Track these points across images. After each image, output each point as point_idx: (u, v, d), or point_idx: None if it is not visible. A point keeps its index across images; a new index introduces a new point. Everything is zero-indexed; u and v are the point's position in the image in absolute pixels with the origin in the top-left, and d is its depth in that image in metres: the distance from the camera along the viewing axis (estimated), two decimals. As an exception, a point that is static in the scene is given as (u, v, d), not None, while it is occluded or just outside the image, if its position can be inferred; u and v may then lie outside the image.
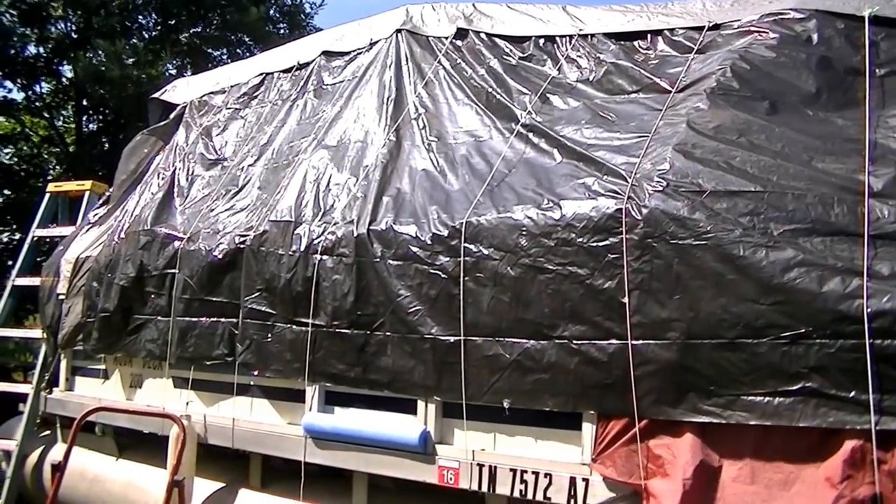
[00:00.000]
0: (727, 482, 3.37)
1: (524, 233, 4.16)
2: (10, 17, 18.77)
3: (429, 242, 4.55)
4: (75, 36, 20.29)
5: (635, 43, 5.00)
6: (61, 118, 22.80)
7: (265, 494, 5.49)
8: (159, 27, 22.25)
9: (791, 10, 4.51)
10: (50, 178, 19.44)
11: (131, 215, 7.02)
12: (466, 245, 4.37)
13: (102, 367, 6.97)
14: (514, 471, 4.11)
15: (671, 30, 4.90)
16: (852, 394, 3.17)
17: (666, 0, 5.21)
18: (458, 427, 4.44)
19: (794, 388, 3.29)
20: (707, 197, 3.64)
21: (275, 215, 5.56)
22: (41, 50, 19.89)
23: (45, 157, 22.13)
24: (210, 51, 22.15)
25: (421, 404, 4.60)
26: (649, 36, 4.98)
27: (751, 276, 3.41)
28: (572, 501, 3.89)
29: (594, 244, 3.90)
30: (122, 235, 6.78)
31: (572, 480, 3.90)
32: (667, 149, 3.93)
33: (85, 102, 21.00)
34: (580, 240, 3.94)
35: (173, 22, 22.34)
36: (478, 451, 4.31)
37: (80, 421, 5.90)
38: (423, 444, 4.49)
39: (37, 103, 21.00)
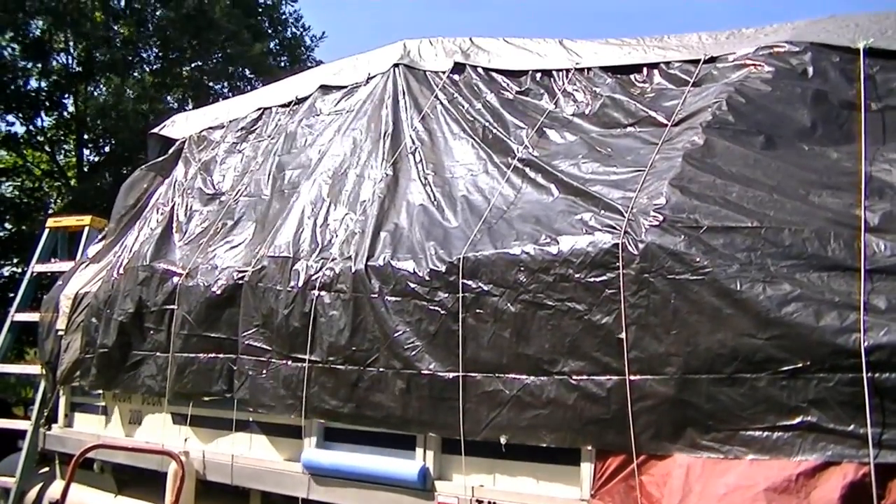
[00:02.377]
0: None
1: (522, 268, 4.17)
2: (12, 50, 18.90)
3: (427, 278, 4.56)
4: (78, 69, 20.41)
5: (631, 76, 5.03)
6: (63, 152, 22.91)
7: (261, 531, 5.46)
8: (161, 61, 22.42)
9: (786, 42, 4.55)
10: (51, 211, 19.50)
11: (130, 251, 7.04)
12: (465, 281, 4.38)
13: (102, 403, 6.96)
14: None
15: (667, 63, 4.93)
16: (851, 427, 3.16)
17: (662, 33, 5.25)
18: (457, 463, 4.43)
19: (793, 422, 3.29)
20: (704, 232, 3.65)
21: (273, 251, 5.58)
22: (43, 84, 20.00)
23: (47, 190, 22.22)
24: (211, 84, 22.30)
25: (420, 440, 4.58)
26: (645, 69, 5.01)
27: (748, 310, 3.42)
28: None
29: (592, 279, 3.91)
30: (121, 271, 6.80)
31: (571, 516, 3.89)
32: (663, 183, 3.95)
33: (86, 136, 21.11)
34: (578, 275, 3.95)
35: (175, 56, 22.52)
36: (477, 487, 4.30)
37: (78, 458, 5.89)
38: (423, 481, 4.48)
39: (38, 137, 21.10)
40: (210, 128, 7.65)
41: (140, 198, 7.63)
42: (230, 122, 7.48)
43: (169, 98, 21.11)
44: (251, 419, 5.55)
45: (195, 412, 5.94)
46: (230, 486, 5.63)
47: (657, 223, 3.78)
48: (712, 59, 4.78)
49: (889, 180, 3.74)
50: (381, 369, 4.70)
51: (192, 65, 22.05)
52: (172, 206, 7.12)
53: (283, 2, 25.05)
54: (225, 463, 5.62)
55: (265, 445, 5.50)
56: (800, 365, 3.28)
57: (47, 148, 21.79)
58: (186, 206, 7.02)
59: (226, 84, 22.31)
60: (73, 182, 21.31)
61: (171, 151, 7.82)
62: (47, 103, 20.23)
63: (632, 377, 3.71)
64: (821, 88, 4.26)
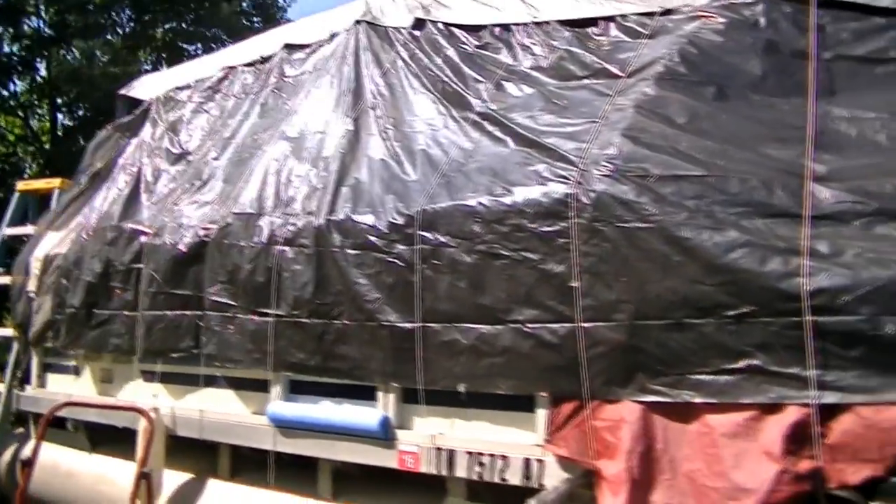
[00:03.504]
0: (678, 461, 3.39)
1: (478, 220, 4.17)
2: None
3: (385, 231, 4.56)
4: (50, 33, 20.12)
5: (589, 29, 4.98)
6: (36, 117, 22.63)
7: (234, 484, 5.49)
8: (133, 24, 22.13)
9: None
10: (27, 176, 19.31)
11: (98, 211, 6.99)
12: (422, 233, 4.37)
13: (73, 363, 6.93)
14: (471, 454, 4.13)
15: (623, 15, 4.88)
16: (794, 370, 3.19)
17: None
18: (417, 413, 4.46)
19: (739, 365, 3.32)
20: (654, 181, 3.65)
21: (237, 208, 5.55)
22: (15, 48, 19.72)
23: (21, 155, 21.96)
24: (185, 46, 22.03)
25: (381, 391, 4.60)
26: (602, 22, 4.96)
27: (696, 257, 3.43)
28: (528, 482, 3.90)
29: (545, 229, 3.91)
30: (90, 232, 6.74)
31: (527, 462, 3.92)
32: (615, 134, 3.95)
33: (60, 101, 20.87)
34: (532, 225, 3.96)
35: (148, 18, 22.22)
36: (437, 435, 4.32)
37: (48, 417, 5.89)
38: (384, 430, 4.50)
39: (11, 102, 20.83)
40: (177, 88, 7.56)
41: (107, 158, 7.54)
42: (197, 82, 7.40)
43: (142, 60, 20.84)
44: (219, 374, 5.54)
45: (164, 369, 5.94)
46: (200, 441, 5.64)
47: (608, 173, 3.78)
48: (668, 12, 4.73)
49: (837, 132, 3.74)
50: (344, 322, 4.71)
51: (165, 26, 21.69)
52: (140, 167, 7.06)
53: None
54: (194, 418, 5.63)
55: (233, 400, 5.51)
56: (745, 310, 3.31)
57: (20, 113, 21.49)
58: (154, 166, 6.96)
59: (199, 46, 22.02)
60: (47, 146, 21.09)
61: (138, 112, 7.72)
62: (19, 68, 19.89)
63: (584, 324, 3.73)
64: (772, 39, 4.24)
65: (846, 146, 3.68)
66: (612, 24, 4.91)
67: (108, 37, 21.03)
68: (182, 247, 5.74)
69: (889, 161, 3.50)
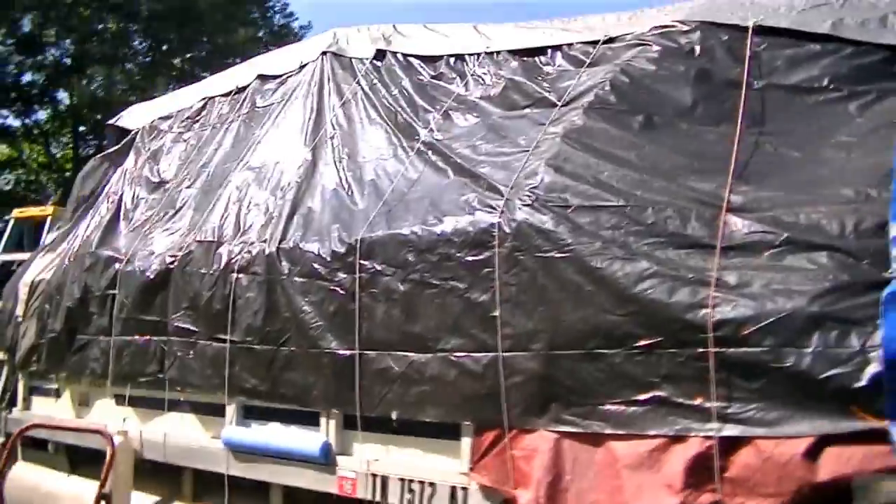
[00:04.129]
0: (583, 492, 3.30)
1: (411, 248, 4.13)
2: (6, 45, 18.90)
3: (328, 259, 4.52)
4: (70, 63, 20.39)
5: (536, 59, 4.92)
6: (59, 144, 22.91)
7: (194, 506, 5.44)
8: (152, 53, 22.38)
9: (679, 22, 4.43)
10: (51, 202, 19.51)
11: (81, 239, 7.00)
12: (361, 261, 4.33)
13: (55, 386, 6.93)
14: (402, 480, 4.07)
15: (569, 44, 4.82)
16: (698, 401, 3.10)
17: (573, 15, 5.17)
18: (356, 439, 4.40)
19: (646, 396, 3.24)
20: (572, 211, 3.59)
21: (200, 235, 5.54)
22: (36, 78, 20.00)
23: (44, 181, 22.23)
24: (203, 74, 22.23)
25: (323, 417, 4.55)
26: (549, 51, 4.89)
27: (607, 287, 3.36)
28: None
29: (471, 258, 3.86)
30: (72, 258, 6.76)
31: (453, 490, 3.85)
32: (540, 163, 3.88)
33: (82, 128, 21.11)
34: (459, 254, 3.90)
35: (165, 48, 22.47)
36: (373, 461, 4.26)
37: (14, 438, 5.90)
38: (325, 456, 4.45)
39: (34, 130, 21.10)
40: (161, 118, 7.58)
41: (94, 187, 7.58)
42: (178, 111, 7.42)
43: (160, 88, 21.05)
44: (182, 398, 5.51)
45: (133, 393, 5.91)
46: (166, 465, 5.61)
47: (529, 202, 3.72)
48: (611, 40, 4.67)
49: (761, 160, 3.66)
50: (291, 349, 4.67)
51: (183, 56, 21.92)
52: (121, 195, 7.07)
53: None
54: (158, 441, 5.60)
55: (194, 424, 5.47)
56: (653, 340, 3.22)
57: (42, 140, 21.77)
58: (133, 194, 6.97)
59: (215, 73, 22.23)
60: (68, 173, 21.33)
61: (124, 141, 7.75)
62: (41, 97, 20.16)
63: (504, 354, 3.65)
64: (705, 67, 4.15)
65: (767, 176, 3.58)
66: (558, 53, 4.85)
67: (128, 65, 21.22)
68: (150, 274, 5.73)
69: (804, 191, 3.40)
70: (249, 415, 5.08)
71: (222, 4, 22.25)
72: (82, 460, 6.66)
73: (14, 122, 20.88)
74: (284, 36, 25.34)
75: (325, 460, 4.44)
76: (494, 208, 3.84)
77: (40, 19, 19.77)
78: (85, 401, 6.56)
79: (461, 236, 3.90)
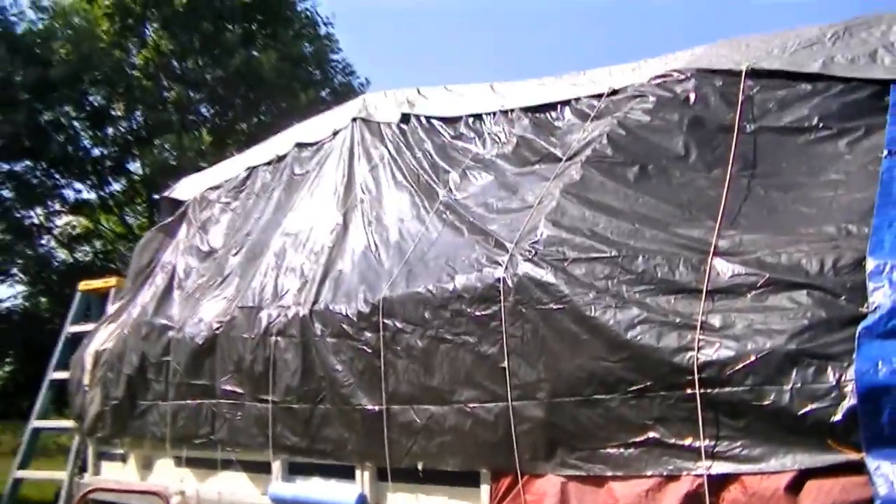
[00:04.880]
0: None
1: (427, 306, 4.36)
2: (78, 120, 19.87)
3: (355, 319, 4.78)
4: (139, 133, 21.29)
5: (547, 114, 5.16)
6: (135, 213, 23.81)
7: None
8: (217, 119, 23.19)
9: (675, 71, 4.63)
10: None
11: (140, 308, 7.41)
12: (384, 320, 4.58)
13: (121, 451, 7.31)
14: None
15: (577, 99, 5.05)
16: (688, 442, 3.25)
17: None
18: (388, 489, 4.62)
19: (641, 438, 3.39)
20: (569, 263, 3.79)
21: (242, 301, 5.86)
22: (107, 150, 20.92)
23: (123, 251, 23.11)
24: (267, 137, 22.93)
25: (358, 470, 4.79)
26: (559, 106, 5.13)
27: (601, 334, 3.54)
28: None
29: (480, 313, 4.08)
30: (130, 328, 7.16)
31: (476, 536, 4.04)
32: (540, 218, 4.11)
33: (155, 196, 21.92)
34: (469, 309, 4.13)
35: (230, 114, 23.25)
36: None
37: (77, 502, 6.24)
38: (361, 506, 4.68)
39: (109, 202, 22.03)
40: (210, 188, 7.99)
41: (150, 258, 8.01)
42: (226, 182, 7.82)
43: (227, 153, 21.80)
44: (233, 457, 5.81)
45: (189, 454, 6.23)
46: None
47: (530, 257, 3.93)
48: (614, 92, 4.88)
49: (750, 203, 3.82)
50: (326, 406, 4.93)
51: (249, 121, 22.66)
52: (174, 265, 7.47)
53: (329, 49, 25.57)
54: (214, 500, 5.90)
55: (245, 481, 5.75)
56: (644, 384, 3.39)
57: (117, 210, 22.69)
58: (185, 263, 7.36)
59: (279, 137, 22.89)
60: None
61: (177, 213, 8.19)
62: (114, 168, 21.10)
63: (513, 403, 3.86)
64: (699, 114, 4.34)
65: (755, 219, 3.74)
66: (567, 108, 5.08)
67: (196, 133, 22.04)
68: (199, 340, 6.07)
69: (789, 231, 3.55)
70: (293, 470, 5.34)
71: (284, 69, 22.92)
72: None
73: (90, 195, 21.84)
74: (346, 94, 25.90)
75: (361, 511, 4.66)
76: (500, 264, 4.07)
77: (107, 94, 20.74)
78: (148, 464, 6.91)
79: (471, 292, 4.14)
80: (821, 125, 4.05)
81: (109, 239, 22.96)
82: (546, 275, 3.82)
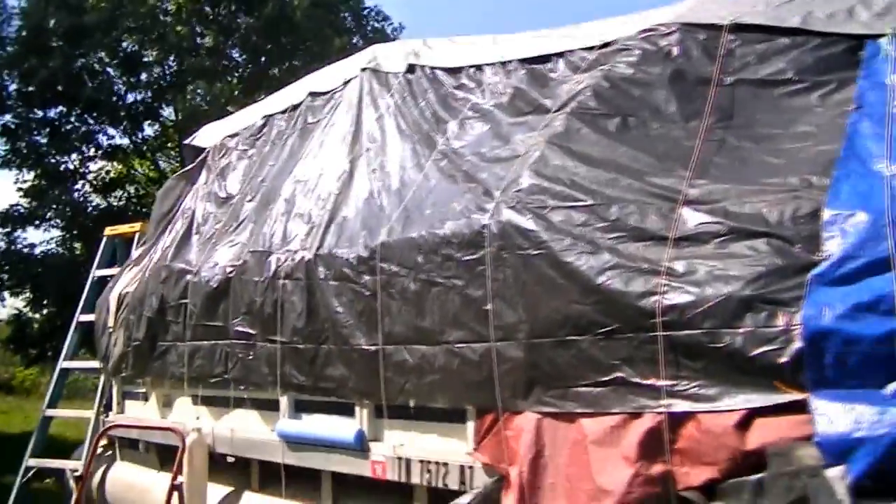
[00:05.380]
0: (560, 466, 3.72)
1: (420, 250, 4.61)
2: (110, 68, 20.18)
3: (355, 263, 5.04)
4: (171, 79, 21.56)
5: (542, 66, 5.29)
6: (168, 158, 24.20)
7: (260, 495, 6.06)
8: (249, 65, 23.38)
9: (661, 25, 4.74)
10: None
11: (160, 253, 7.74)
12: (381, 264, 4.84)
13: (143, 390, 7.70)
14: (422, 462, 4.55)
15: (571, 51, 5.19)
16: (650, 381, 3.48)
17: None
18: (385, 426, 4.92)
19: (609, 378, 3.62)
20: (549, 211, 4.01)
21: (254, 246, 6.15)
22: (140, 96, 21.25)
23: (155, 196, 23.54)
24: (301, 83, 23.08)
25: (357, 407, 5.08)
26: (553, 59, 5.26)
27: (575, 279, 3.76)
28: (463, 486, 4.29)
29: (467, 258, 4.31)
30: (150, 272, 7.50)
31: (462, 468, 4.31)
32: (524, 167, 4.31)
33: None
34: (458, 254, 4.36)
35: (263, 59, 23.40)
36: (398, 446, 4.76)
37: (97, 439, 6.64)
38: (359, 442, 4.98)
39: (143, 147, 22.41)
40: (228, 136, 8.23)
41: (172, 204, 8.31)
42: (243, 129, 8.06)
43: (259, 99, 22.04)
44: (245, 396, 6.14)
45: (205, 393, 6.58)
46: (235, 457, 6.27)
47: (513, 205, 4.15)
48: (605, 45, 5.01)
49: (723, 154, 3.99)
50: (329, 346, 5.21)
51: (280, 66, 22.80)
52: (193, 211, 7.76)
53: (363, -4, 25.52)
54: (227, 437, 6.25)
55: (256, 419, 6.09)
56: (613, 327, 3.61)
57: (151, 156, 23.08)
58: (204, 209, 7.65)
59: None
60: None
61: (198, 160, 8.46)
62: (147, 114, 21.44)
63: (496, 344, 4.10)
64: (680, 67, 4.46)
65: (726, 169, 3.91)
66: (561, 60, 5.21)
67: (228, 79, 22.25)
68: (214, 283, 6.38)
69: (755, 182, 3.72)
70: (300, 408, 5.66)
71: (317, 14, 22.97)
72: (169, 458, 7.39)
73: (123, 141, 22.23)
74: (379, 40, 25.84)
75: (359, 447, 4.96)
76: (486, 211, 4.28)
77: (140, 40, 21.02)
78: (168, 402, 7.29)
79: (458, 238, 4.36)
80: (796, 78, 4.15)
81: (143, 183, 23.39)
82: (526, 222, 4.03)
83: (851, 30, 4.15)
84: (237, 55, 23.70)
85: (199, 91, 21.95)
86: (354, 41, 24.85)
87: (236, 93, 21.62)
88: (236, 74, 22.92)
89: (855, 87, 3.95)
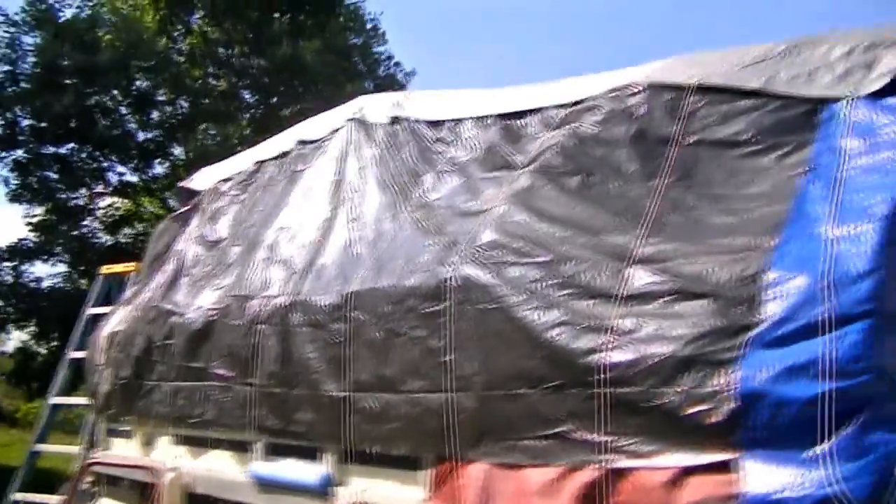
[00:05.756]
0: None
1: (387, 301, 4.73)
2: (122, 106, 20.56)
3: (328, 311, 5.16)
4: (182, 119, 21.91)
5: (518, 121, 5.44)
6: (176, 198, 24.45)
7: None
8: (261, 107, 23.74)
9: (630, 84, 4.89)
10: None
11: (150, 293, 7.87)
12: (352, 313, 4.96)
13: (128, 428, 7.79)
14: None
15: (545, 108, 5.33)
16: (592, 436, 3.58)
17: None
18: (349, 472, 5.01)
19: (553, 431, 3.73)
20: (506, 267, 4.14)
21: (236, 290, 6.28)
22: (151, 134, 21.60)
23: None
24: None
25: (325, 452, 5.18)
26: (528, 114, 5.42)
27: (527, 334, 3.88)
28: None
29: (429, 310, 4.44)
30: (139, 311, 7.63)
31: (419, 515, 4.41)
32: (487, 223, 4.44)
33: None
34: (421, 306, 4.49)
35: (275, 100, 23.77)
36: (361, 492, 4.85)
37: (79, 474, 6.72)
38: (325, 486, 5.08)
39: (152, 185, 22.72)
40: (222, 180, 8.40)
41: (165, 246, 8.46)
42: (236, 174, 8.23)
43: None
44: (222, 437, 6.23)
45: (185, 433, 6.67)
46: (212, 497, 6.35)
47: (473, 259, 4.28)
48: (578, 103, 5.15)
49: (677, 214, 4.11)
50: (300, 391, 5.32)
51: (292, 108, 23.16)
52: (184, 253, 7.91)
53: (374, 42, 25.95)
54: (204, 476, 6.34)
55: (232, 460, 6.17)
56: (559, 382, 3.72)
57: (160, 194, 23.38)
58: (194, 252, 7.79)
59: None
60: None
61: (192, 203, 8.62)
62: (158, 152, 21.77)
63: (453, 394, 4.21)
64: (644, 127, 4.59)
65: (680, 228, 4.03)
66: (535, 117, 5.36)
67: (239, 120, 22.59)
68: (197, 325, 6.50)
69: (705, 242, 3.83)
70: (272, 451, 5.74)
71: (329, 60, 23.34)
72: (150, 495, 7.47)
73: (132, 178, 22.56)
74: (389, 85, 26.25)
75: (324, 491, 5.05)
76: (449, 265, 4.41)
77: (152, 80, 21.42)
78: (150, 441, 7.36)
79: (423, 290, 4.49)
80: (754, 139, 4.25)
81: (150, 221, 23.65)
82: (485, 276, 4.16)
83: (811, 92, 4.23)
84: (248, 96, 24.08)
85: (210, 132, 22.27)
86: (366, 85, 25.21)
87: (247, 132, 21.91)
88: (247, 115, 23.23)
89: (810, 150, 4.05)
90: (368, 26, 26.81)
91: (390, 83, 26.55)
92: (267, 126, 23.33)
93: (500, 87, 6.11)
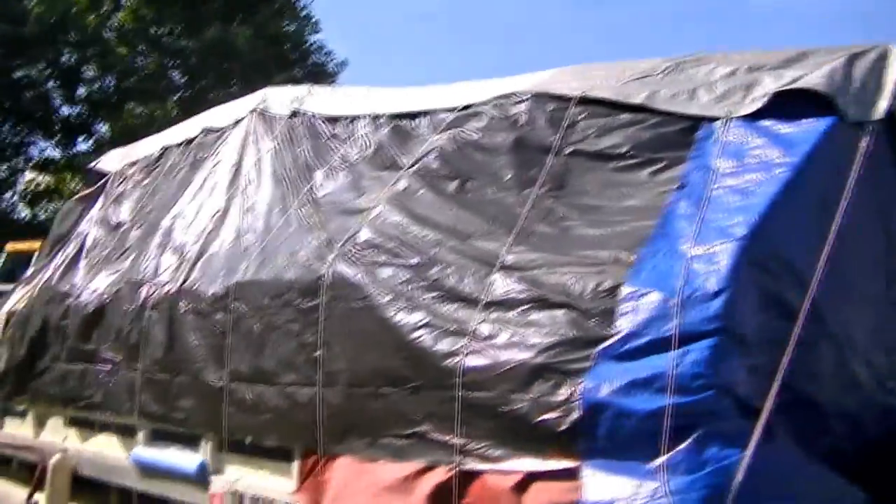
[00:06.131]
0: None
1: (266, 294, 4.62)
2: (47, 80, 19.90)
3: (212, 300, 5.03)
4: (113, 98, 21.33)
5: (408, 122, 5.35)
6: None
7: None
8: (190, 89, 23.23)
9: (515, 93, 4.82)
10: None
11: (50, 274, 7.61)
12: (233, 304, 4.83)
13: (22, 408, 7.52)
14: (252, 498, 4.54)
15: (435, 111, 5.25)
16: (447, 437, 3.53)
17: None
18: (225, 460, 4.89)
19: (411, 431, 3.68)
20: (377, 267, 4.06)
21: (130, 275, 6.10)
22: (75, 111, 20.98)
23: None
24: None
25: (202, 440, 5.05)
26: (419, 116, 5.33)
27: (392, 334, 3.82)
28: None
29: (305, 305, 4.34)
30: (37, 292, 7.37)
31: (287, 507, 4.32)
32: (364, 222, 4.36)
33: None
34: (297, 301, 4.39)
35: (204, 83, 23.28)
36: (234, 481, 4.74)
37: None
38: (200, 474, 4.94)
39: (75, 161, 22.09)
40: (129, 164, 8.16)
41: (69, 227, 8.19)
42: (143, 158, 7.99)
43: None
44: (109, 421, 6.05)
45: (74, 414, 6.47)
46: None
47: (347, 257, 4.19)
48: (465, 108, 5.07)
49: (546, 223, 4.07)
50: (182, 378, 5.18)
51: (220, 92, 22.68)
52: (85, 235, 7.66)
53: (307, 31, 25.58)
54: (91, 459, 6.15)
55: (118, 444, 6.00)
56: (419, 383, 3.66)
57: (82, 171, 22.75)
58: (95, 235, 7.55)
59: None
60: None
61: (97, 185, 8.35)
62: (82, 129, 21.15)
63: (322, 389, 4.12)
64: (524, 136, 4.53)
65: (546, 238, 3.98)
66: (425, 119, 5.27)
67: (166, 100, 22.08)
68: (90, 308, 6.30)
69: (570, 252, 3.79)
70: (156, 437, 5.59)
71: (260, 45, 22.91)
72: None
73: (55, 154, 21.89)
74: (320, 75, 25.87)
75: (200, 478, 4.93)
76: (325, 261, 4.32)
77: (80, 55, 20.78)
78: (42, 422, 7.13)
79: (299, 285, 4.40)
80: (630, 154, 4.18)
81: (70, 198, 23.04)
82: (356, 275, 4.08)
83: (689, 111, 4.16)
84: (177, 77, 23.54)
85: (136, 111, 21.73)
86: (296, 73, 24.83)
87: (174, 114, 21.40)
88: (175, 97, 22.72)
89: (683, 167, 4.00)
90: (302, 14, 26.42)
91: (321, 73, 26.22)
92: (194, 108, 22.77)
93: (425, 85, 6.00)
